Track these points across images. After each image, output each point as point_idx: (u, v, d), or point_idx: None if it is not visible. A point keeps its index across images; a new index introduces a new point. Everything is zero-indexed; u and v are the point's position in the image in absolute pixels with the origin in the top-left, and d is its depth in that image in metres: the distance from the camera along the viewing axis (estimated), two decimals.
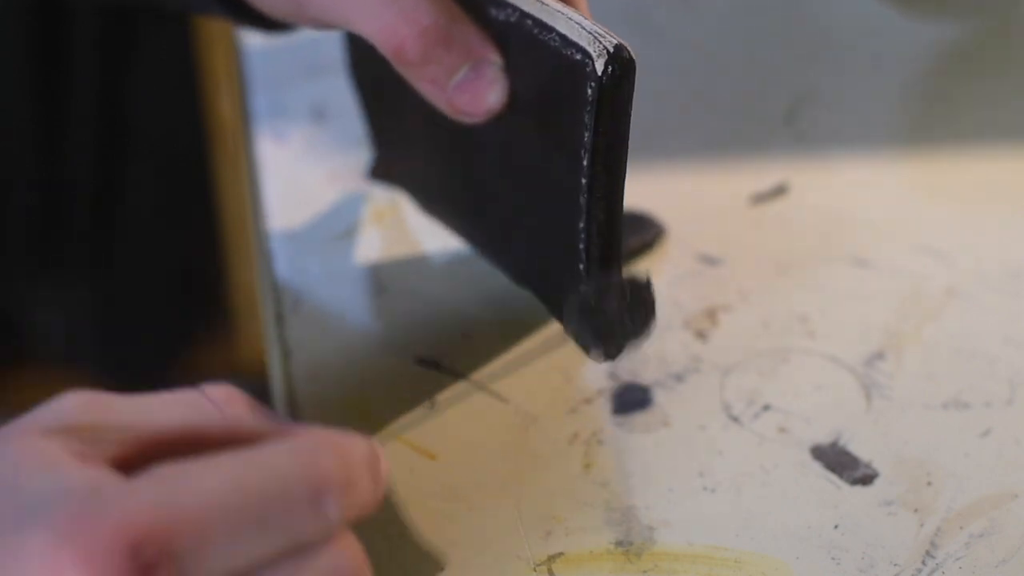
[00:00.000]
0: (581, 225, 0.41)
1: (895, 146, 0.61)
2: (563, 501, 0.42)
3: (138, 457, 0.32)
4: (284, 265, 0.53)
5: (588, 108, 0.39)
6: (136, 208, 1.12)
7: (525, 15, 0.40)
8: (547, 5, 0.40)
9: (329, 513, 0.31)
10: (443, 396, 0.46)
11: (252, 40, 0.65)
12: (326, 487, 0.31)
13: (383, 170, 0.55)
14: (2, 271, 1.11)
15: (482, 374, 0.47)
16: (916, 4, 0.71)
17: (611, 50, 0.38)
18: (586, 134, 0.39)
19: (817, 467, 0.44)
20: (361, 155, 0.56)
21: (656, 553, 0.41)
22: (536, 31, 0.40)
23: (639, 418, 0.46)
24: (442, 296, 0.51)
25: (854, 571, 0.40)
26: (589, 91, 0.39)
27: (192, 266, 1.20)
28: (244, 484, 0.30)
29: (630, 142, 0.40)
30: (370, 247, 0.53)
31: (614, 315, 0.41)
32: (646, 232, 0.53)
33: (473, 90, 0.41)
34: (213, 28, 1.00)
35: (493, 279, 0.49)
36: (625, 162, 0.40)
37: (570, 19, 0.39)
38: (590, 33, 0.39)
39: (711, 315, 0.50)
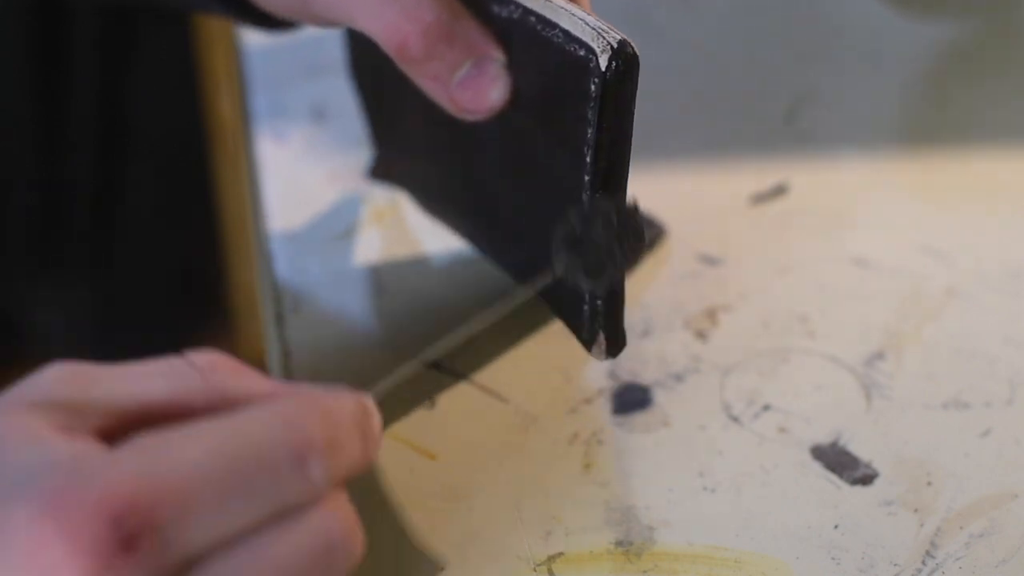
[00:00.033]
0: None
1: (895, 146, 0.61)
2: (563, 501, 0.42)
3: (123, 428, 0.31)
4: (284, 265, 0.53)
5: (592, 104, 0.39)
6: (136, 208, 1.12)
7: (528, 11, 0.40)
8: (550, 1, 0.40)
9: (313, 476, 0.31)
10: (443, 396, 0.46)
11: (252, 40, 0.65)
12: (309, 449, 0.31)
13: (383, 170, 0.55)
14: (2, 271, 1.11)
15: (482, 374, 0.47)
16: (916, 4, 0.71)
17: (615, 46, 0.38)
18: (589, 130, 0.39)
19: (817, 467, 0.44)
20: (361, 155, 0.56)
21: (656, 553, 0.41)
22: (539, 27, 0.40)
23: (639, 418, 0.46)
24: (442, 296, 0.51)
25: (854, 571, 0.40)
26: (593, 87, 0.38)
27: (192, 266, 1.20)
28: (225, 451, 0.30)
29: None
30: (370, 247, 0.53)
31: (603, 244, 0.40)
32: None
33: (476, 87, 0.41)
34: (213, 28, 1.00)
35: (493, 279, 0.49)
36: (628, 158, 0.40)
37: (573, 15, 0.39)
38: (594, 29, 0.38)
39: (711, 315, 0.50)
